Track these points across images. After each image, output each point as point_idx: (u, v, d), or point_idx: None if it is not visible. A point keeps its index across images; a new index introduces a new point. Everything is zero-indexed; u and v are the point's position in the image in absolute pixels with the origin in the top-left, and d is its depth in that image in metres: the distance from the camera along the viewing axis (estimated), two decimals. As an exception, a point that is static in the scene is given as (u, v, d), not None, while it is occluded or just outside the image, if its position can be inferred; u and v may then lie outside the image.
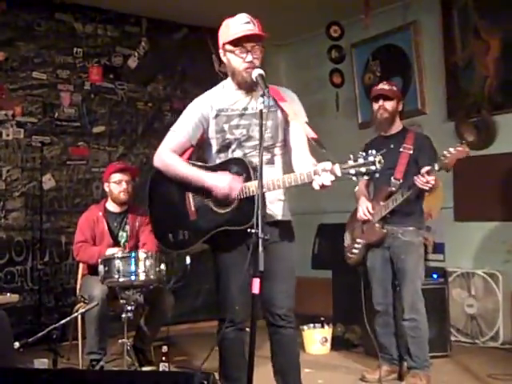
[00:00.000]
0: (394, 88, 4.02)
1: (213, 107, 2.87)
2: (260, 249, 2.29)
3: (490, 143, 5.23)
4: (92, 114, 5.86)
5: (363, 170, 2.47)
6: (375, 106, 3.98)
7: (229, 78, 2.91)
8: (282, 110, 2.83)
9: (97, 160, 5.81)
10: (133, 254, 3.73)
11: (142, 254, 3.74)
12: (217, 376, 2.78)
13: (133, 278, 3.67)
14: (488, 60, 5.26)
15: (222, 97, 2.90)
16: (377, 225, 3.91)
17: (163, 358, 3.81)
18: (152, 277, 3.74)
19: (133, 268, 3.67)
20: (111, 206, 4.34)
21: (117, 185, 4.27)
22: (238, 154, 2.84)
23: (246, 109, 2.85)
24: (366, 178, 2.53)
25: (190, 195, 2.87)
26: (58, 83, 5.68)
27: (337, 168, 2.51)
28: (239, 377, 2.88)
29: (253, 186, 2.67)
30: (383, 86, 4.01)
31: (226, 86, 2.92)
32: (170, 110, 6.31)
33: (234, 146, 2.85)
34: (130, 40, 6.12)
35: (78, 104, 5.79)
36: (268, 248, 2.68)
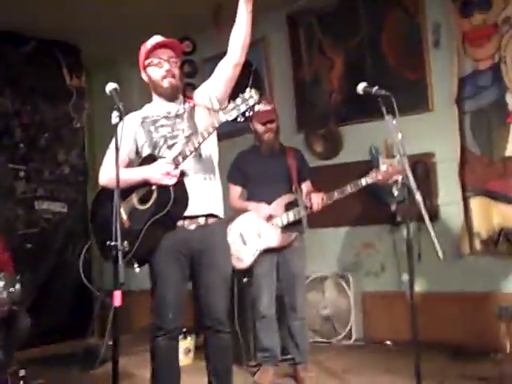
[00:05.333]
0: (274, 106, 4.24)
1: (139, 117, 3.09)
2: (120, 261, 2.31)
3: (336, 153, 5.58)
4: None
5: (244, 107, 2.69)
6: (261, 128, 4.14)
7: (154, 96, 3.13)
8: (193, 107, 3.08)
9: None
10: (-16, 276, 3.57)
11: (-7, 276, 3.59)
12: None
13: (-15, 300, 3.51)
14: (333, 76, 5.61)
15: (148, 108, 3.14)
16: (282, 230, 4.04)
17: (21, 383, 3.66)
18: (5, 298, 3.61)
19: (-16, 290, 3.52)
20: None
21: None
22: (166, 152, 2.99)
23: (169, 112, 3.07)
24: (247, 114, 2.72)
25: (122, 205, 2.91)
26: None
27: (221, 115, 2.74)
28: None
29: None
30: (266, 107, 4.11)
31: (153, 101, 3.16)
32: (19, 125, 6.06)
33: (161, 143, 3.02)
34: (-26, 52, 5.82)
35: None
36: (200, 253, 2.97)
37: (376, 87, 3.15)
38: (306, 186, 4.24)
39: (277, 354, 4.21)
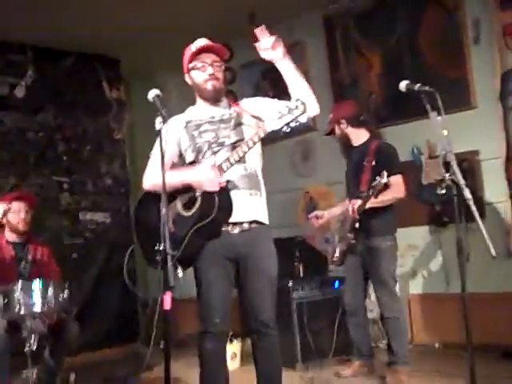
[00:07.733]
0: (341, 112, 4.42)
1: (183, 120, 3.08)
2: (169, 264, 2.31)
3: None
4: (-21, 146, 5.63)
5: (290, 117, 2.67)
6: (337, 130, 4.38)
7: (198, 99, 3.12)
8: (240, 113, 3.05)
9: (-13, 192, 5.57)
10: (33, 284, 3.60)
11: (43, 284, 3.62)
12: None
13: (35, 308, 3.55)
14: (371, 76, 5.56)
15: (191, 111, 3.13)
16: (348, 234, 4.11)
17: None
18: (54, 306, 3.64)
19: (34, 298, 3.56)
20: (10, 236, 4.19)
21: (15, 214, 4.13)
22: (211, 158, 2.95)
23: (213, 117, 3.05)
24: (293, 124, 2.71)
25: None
26: None
27: (267, 125, 2.73)
28: None
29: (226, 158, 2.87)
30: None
31: (196, 104, 3.15)
32: (62, 138, 6.18)
33: (205, 149, 3.00)
34: (15, 69, 5.91)
35: (-37, 135, 5.56)
36: (246, 257, 2.95)
37: (419, 84, 3.11)
38: (391, 181, 3.98)
39: (362, 348, 4.34)
